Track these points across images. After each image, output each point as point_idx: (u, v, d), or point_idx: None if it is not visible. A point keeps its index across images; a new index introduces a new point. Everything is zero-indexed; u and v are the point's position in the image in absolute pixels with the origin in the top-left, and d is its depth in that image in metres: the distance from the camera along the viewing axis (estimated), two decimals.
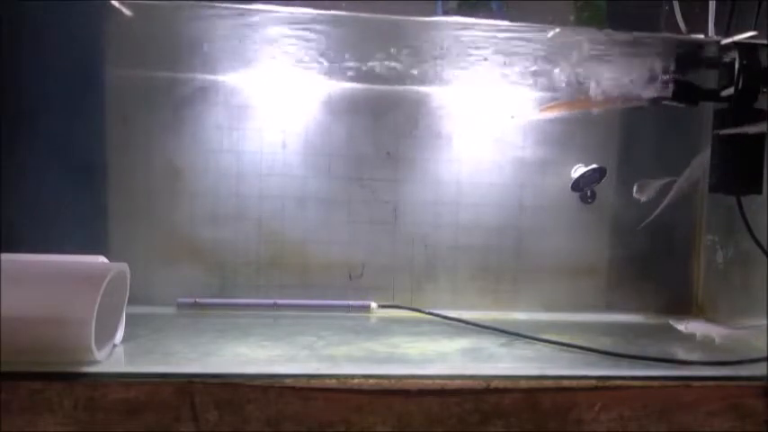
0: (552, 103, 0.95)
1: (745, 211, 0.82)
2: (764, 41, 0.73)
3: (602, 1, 0.71)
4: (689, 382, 0.66)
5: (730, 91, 0.80)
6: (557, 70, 0.89)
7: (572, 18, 0.71)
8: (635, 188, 0.96)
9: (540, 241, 1.01)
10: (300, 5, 0.67)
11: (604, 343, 0.81)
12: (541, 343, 0.81)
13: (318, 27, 0.74)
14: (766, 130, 0.79)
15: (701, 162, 0.93)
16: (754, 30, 0.71)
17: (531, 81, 0.94)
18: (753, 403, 0.66)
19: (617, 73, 0.87)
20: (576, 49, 0.79)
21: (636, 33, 0.73)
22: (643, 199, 0.96)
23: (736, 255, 0.94)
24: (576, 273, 1.02)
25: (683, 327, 0.90)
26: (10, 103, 0.88)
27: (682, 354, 0.81)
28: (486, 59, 0.84)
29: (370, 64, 0.88)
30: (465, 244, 1.01)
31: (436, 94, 0.99)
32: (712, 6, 0.71)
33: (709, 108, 0.88)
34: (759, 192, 0.82)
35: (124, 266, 0.71)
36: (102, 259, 0.72)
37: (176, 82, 0.95)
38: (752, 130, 0.78)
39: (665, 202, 0.95)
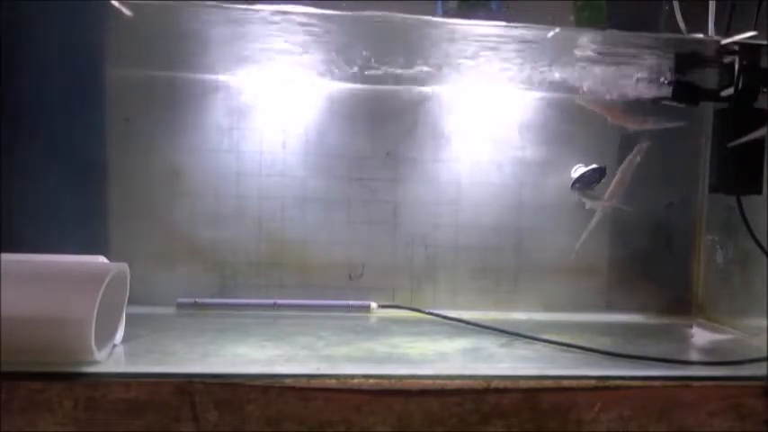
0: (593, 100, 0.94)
1: (745, 211, 0.82)
2: (764, 41, 0.73)
3: (602, 1, 0.71)
4: (689, 382, 0.66)
5: (730, 91, 0.80)
6: (556, 70, 0.89)
7: (572, 18, 0.71)
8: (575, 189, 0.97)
9: (540, 241, 1.01)
10: (300, 5, 0.67)
11: (604, 343, 0.81)
12: (541, 343, 0.81)
13: (318, 27, 0.74)
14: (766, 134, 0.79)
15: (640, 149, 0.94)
16: (754, 30, 0.71)
17: (531, 81, 0.94)
18: (753, 403, 0.66)
19: (617, 73, 0.87)
20: (576, 49, 0.79)
21: (636, 33, 0.73)
22: (588, 206, 0.97)
23: (736, 255, 0.94)
24: (576, 273, 1.02)
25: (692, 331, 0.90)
26: (10, 103, 0.88)
27: (682, 353, 0.81)
28: (485, 60, 0.84)
29: (370, 64, 0.88)
30: (465, 244, 1.01)
31: (436, 94, 0.99)
32: (712, 6, 0.71)
33: (709, 108, 0.88)
34: (759, 192, 0.82)
35: (124, 266, 0.71)
36: (102, 259, 0.72)
37: (176, 82, 0.95)
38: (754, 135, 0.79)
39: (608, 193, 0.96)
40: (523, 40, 0.75)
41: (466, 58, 0.84)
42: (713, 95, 0.84)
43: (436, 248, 1.00)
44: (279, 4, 0.67)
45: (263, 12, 0.69)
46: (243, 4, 0.67)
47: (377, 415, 0.62)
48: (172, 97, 0.95)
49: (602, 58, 0.82)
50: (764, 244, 0.81)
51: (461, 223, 1.01)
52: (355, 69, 0.91)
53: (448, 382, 0.63)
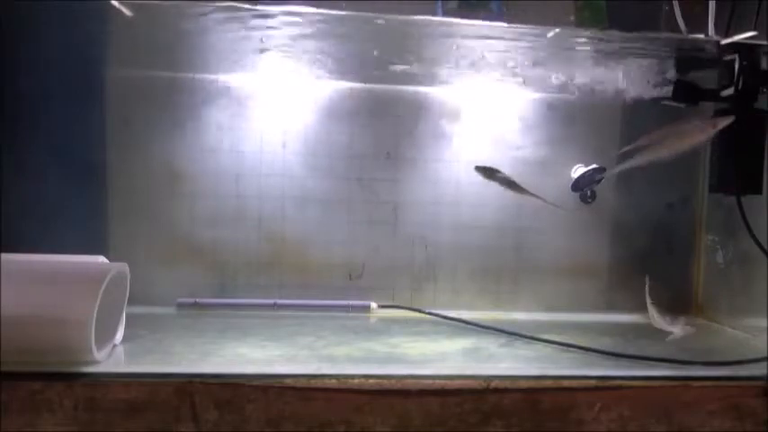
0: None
1: (745, 211, 0.82)
2: (764, 41, 0.73)
3: (602, 1, 0.71)
4: (689, 382, 0.66)
5: (730, 91, 0.80)
6: (557, 71, 0.89)
7: (572, 18, 0.71)
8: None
9: (540, 241, 1.01)
10: (300, 5, 0.67)
11: (604, 343, 0.81)
12: (541, 343, 0.81)
13: (318, 26, 0.74)
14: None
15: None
16: (754, 30, 0.71)
17: (531, 81, 0.94)
18: (753, 403, 0.66)
19: (617, 73, 0.87)
20: (576, 49, 0.79)
21: (636, 33, 0.73)
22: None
23: (736, 255, 0.94)
24: (576, 273, 1.02)
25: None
26: (10, 103, 0.88)
27: (681, 353, 0.81)
28: (485, 60, 0.84)
29: (370, 64, 0.88)
30: (465, 244, 1.01)
31: (436, 94, 0.99)
32: (712, 6, 0.71)
33: (709, 108, 0.88)
34: (759, 192, 0.82)
35: (124, 266, 0.71)
36: (102, 259, 0.72)
37: (176, 82, 0.95)
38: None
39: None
40: (523, 41, 0.75)
41: (466, 58, 0.84)
42: (713, 95, 0.84)
43: (436, 248, 1.00)
44: (278, 3, 0.67)
45: (264, 11, 0.69)
46: (243, 3, 0.67)
47: (377, 415, 0.62)
48: (172, 97, 0.95)
49: (602, 58, 0.82)
50: (764, 244, 0.81)
51: (461, 223, 1.01)
52: (355, 69, 0.91)
53: (448, 382, 0.63)
